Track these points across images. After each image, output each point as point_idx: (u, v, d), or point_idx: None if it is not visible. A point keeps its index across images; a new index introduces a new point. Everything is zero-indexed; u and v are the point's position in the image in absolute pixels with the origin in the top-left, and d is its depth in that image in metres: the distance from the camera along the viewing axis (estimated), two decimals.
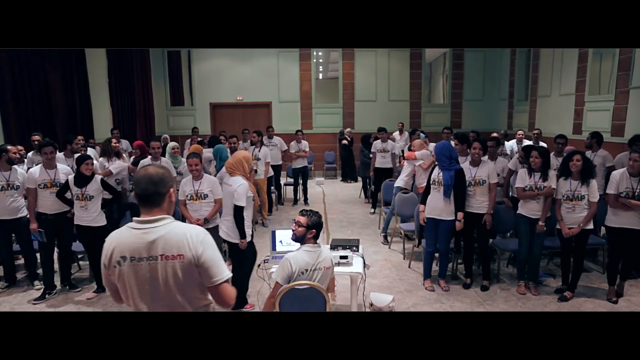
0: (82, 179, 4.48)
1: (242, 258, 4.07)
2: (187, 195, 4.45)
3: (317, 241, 3.00)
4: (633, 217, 4.08)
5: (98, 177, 4.62)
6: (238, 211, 3.87)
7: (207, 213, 4.44)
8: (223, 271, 1.80)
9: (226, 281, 1.82)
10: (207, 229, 4.24)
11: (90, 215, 4.49)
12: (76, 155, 5.10)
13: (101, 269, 1.82)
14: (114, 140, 5.79)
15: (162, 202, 1.78)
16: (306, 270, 2.86)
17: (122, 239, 1.76)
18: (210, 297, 1.87)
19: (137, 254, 1.73)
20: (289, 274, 2.85)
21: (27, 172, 4.68)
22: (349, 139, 10.87)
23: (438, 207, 4.43)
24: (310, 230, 2.93)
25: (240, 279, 4.07)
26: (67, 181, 4.53)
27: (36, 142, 5.68)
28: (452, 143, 4.96)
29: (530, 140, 7.65)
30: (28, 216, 4.66)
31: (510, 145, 7.65)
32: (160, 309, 1.81)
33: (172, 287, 1.78)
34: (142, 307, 1.81)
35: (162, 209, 1.78)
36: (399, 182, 6.18)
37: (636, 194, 4.02)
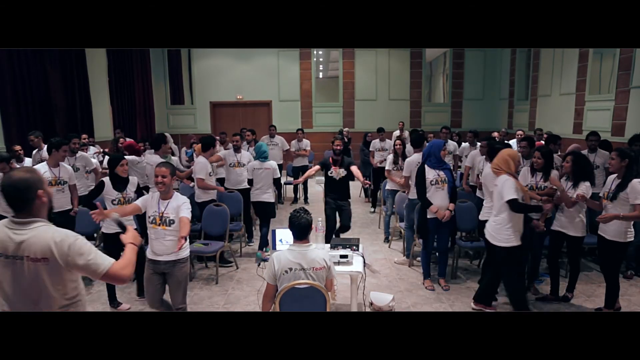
0: (121, 182, 4.20)
1: (510, 262, 3.75)
2: (149, 217, 3.41)
3: (310, 241, 2.91)
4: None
5: (135, 179, 4.39)
6: (514, 206, 3.57)
7: (171, 244, 3.33)
8: (101, 263, 1.88)
9: (108, 269, 1.90)
10: (175, 261, 3.40)
11: (130, 220, 4.06)
12: (105, 157, 5.04)
13: None
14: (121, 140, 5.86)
15: (29, 206, 1.85)
16: (290, 269, 2.78)
17: None
18: (73, 295, 1.98)
19: (4, 251, 1.84)
20: (273, 272, 2.82)
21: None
22: (346, 139, 10.84)
23: (443, 205, 4.44)
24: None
25: (514, 284, 3.87)
26: (98, 187, 4.25)
27: (32, 142, 5.52)
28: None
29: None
30: None
31: (511, 144, 7.64)
32: (22, 304, 1.89)
33: (36, 287, 1.87)
34: (2, 302, 1.90)
35: (31, 213, 1.86)
36: (389, 185, 6.13)
37: (609, 195, 3.79)
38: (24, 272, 1.85)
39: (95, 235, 5.33)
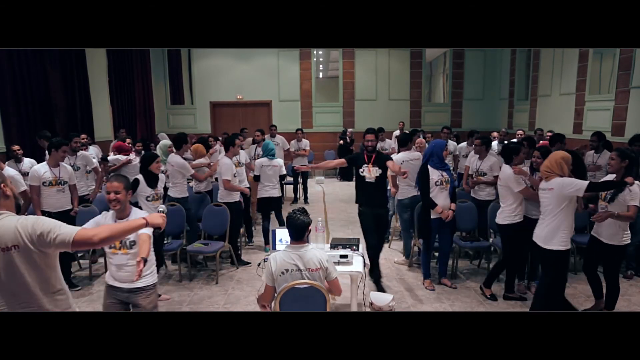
0: (153, 179, 4.29)
1: (561, 265, 3.61)
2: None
3: (308, 241, 2.91)
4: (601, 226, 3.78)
5: (163, 176, 4.49)
6: (592, 187, 3.44)
7: (135, 269, 2.59)
8: (66, 232, 1.89)
9: (74, 235, 1.90)
10: (140, 288, 2.84)
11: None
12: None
13: None
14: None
15: None
16: (286, 270, 2.78)
17: None
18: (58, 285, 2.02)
19: None
20: (271, 273, 2.81)
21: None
22: (348, 139, 10.86)
23: (446, 205, 4.45)
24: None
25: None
26: (133, 185, 4.12)
27: (16, 152, 5.33)
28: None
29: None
30: None
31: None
32: (5, 298, 1.90)
33: (12, 278, 1.88)
34: None
35: (0, 203, 1.92)
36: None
37: (607, 197, 3.75)
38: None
39: None
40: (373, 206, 4.44)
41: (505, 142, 7.47)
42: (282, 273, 2.79)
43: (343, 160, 4.67)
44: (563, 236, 3.50)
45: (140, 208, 4.10)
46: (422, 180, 4.50)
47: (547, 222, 3.56)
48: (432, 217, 4.48)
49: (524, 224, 4.13)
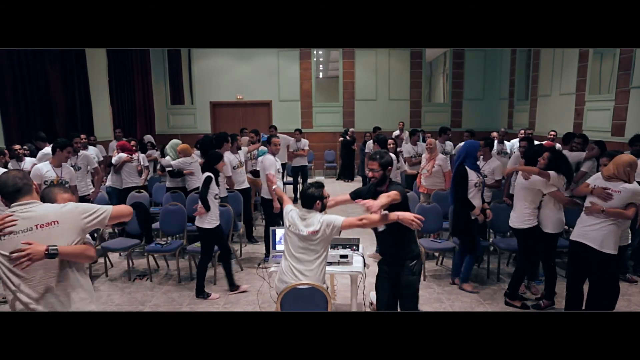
0: (217, 178, 4.33)
1: (613, 267, 3.55)
2: None
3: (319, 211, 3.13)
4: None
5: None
6: None
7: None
8: (105, 209, 2.17)
9: (111, 211, 2.20)
10: None
11: (214, 213, 4.33)
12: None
13: None
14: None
15: (32, 190, 2.15)
16: (290, 225, 3.09)
17: None
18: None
19: (15, 229, 2.02)
20: (284, 213, 3.17)
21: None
22: (349, 137, 10.86)
23: (480, 206, 4.43)
24: None
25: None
26: (207, 182, 4.23)
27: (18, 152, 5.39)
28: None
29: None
30: None
31: (511, 144, 7.63)
32: (37, 274, 2.04)
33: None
34: (20, 274, 2.03)
35: (33, 196, 2.14)
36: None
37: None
38: (35, 240, 1.99)
39: (95, 235, 5.34)
40: (389, 262, 3.08)
41: (506, 141, 7.49)
42: (289, 225, 3.09)
43: (348, 197, 3.55)
44: (616, 240, 3.44)
45: (207, 207, 4.22)
46: (462, 182, 4.35)
47: (603, 224, 3.46)
48: (472, 218, 4.42)
49: (538, 226, 4.09)
